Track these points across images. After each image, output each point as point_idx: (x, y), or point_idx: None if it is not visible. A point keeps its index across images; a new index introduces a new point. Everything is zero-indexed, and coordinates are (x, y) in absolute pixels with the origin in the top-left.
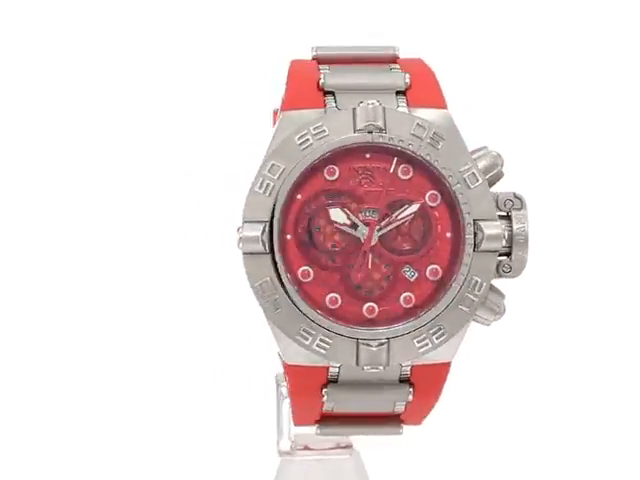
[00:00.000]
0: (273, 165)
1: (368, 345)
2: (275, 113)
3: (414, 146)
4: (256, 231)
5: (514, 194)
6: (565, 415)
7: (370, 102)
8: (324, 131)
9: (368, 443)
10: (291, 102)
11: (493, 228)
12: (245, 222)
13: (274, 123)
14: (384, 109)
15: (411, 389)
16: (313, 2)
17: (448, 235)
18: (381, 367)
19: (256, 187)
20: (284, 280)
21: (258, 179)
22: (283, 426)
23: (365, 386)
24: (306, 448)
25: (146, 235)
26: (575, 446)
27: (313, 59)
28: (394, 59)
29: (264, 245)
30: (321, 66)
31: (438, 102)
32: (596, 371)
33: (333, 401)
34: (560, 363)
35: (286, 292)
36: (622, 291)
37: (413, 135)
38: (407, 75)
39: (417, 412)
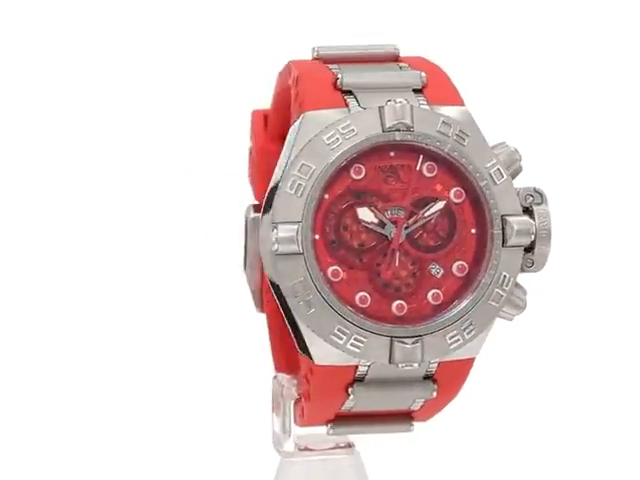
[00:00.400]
0: (303, 165)
1: (403, 342)
2: (260, 114)
3: (441, 144)
4: (291, 232)
5: (534, 189)
6: (577, 414)
7: (398, 100)
8: (352, 130)
9: (368, 443)
10: (312, 102)
11: (522, 223)
12: (279, 223)
13: (258, 125)
14: (412, 107)
15: (435, 386)
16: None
17: (473, 231)
18: (415, 364)
19: (287, 188)
20: (317, 280)
21: (288, 180)
22: (289, 427)
23: (390, 384)
24: (306, 449)
25: (140, 234)
26: (584, 446)
27: (315, 59)
28: (396, 57)
29: (299, 245)
30: (330, 66)
31: (455, 99)
32: (610, 368)
33: (358, 400)
34: (574, 360)
35: (319, 292)
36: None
37: (439, 132)
38: (423, 73)
39: (432, 409)
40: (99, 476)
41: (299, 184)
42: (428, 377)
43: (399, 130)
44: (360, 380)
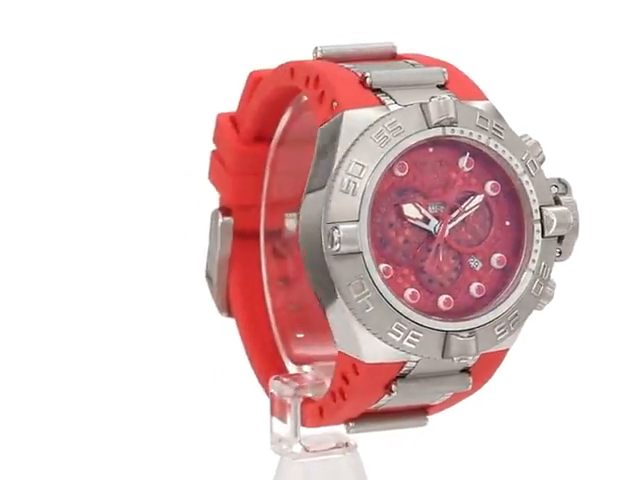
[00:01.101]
0: (354, 164)
1: (459, 336)
2: (227, 116)
3: (482, 138)
4: (352, 231)
5: (559, 179)
6: (577, 414)
7: (441, 96)
8: (400, 127)
9: (367, 443)
10: (348, 101)
11: (561, 214)
12: (339, 223)
13: (226, 128)
14: (455, 103)
15: (470, 378)
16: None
17: (507, 223)
18: (470, 357)
19: (342, 187)
20: (376, 278)
21: (341, 179)
22: (297, 429)
23: (429, 379)
24: (306, 450)
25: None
26: (585, 446)
27: (319, 59)
28: (394, 55)
29: (359, 244)
30: (348, 64)
31: (479, 94)
32: (615, 363)
33: (399, 396)
34: (577, 356)
35: (378, 290)
36: None
37: (478, 127)
38: (444, 70)
39: (453, 401)
40: (98, 476)
41: (353, 183)
42: (465, 370)
43: (443, 126)
44: (402, 377)
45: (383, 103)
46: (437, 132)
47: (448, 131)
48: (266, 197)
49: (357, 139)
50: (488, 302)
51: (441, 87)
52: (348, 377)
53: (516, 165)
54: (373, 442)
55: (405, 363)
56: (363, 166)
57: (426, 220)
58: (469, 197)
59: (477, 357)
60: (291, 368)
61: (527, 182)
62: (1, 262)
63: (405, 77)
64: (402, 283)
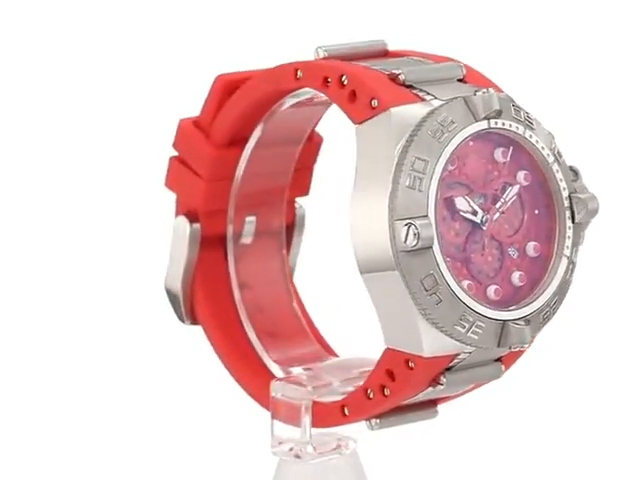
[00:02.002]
0: (417, 160)
1: (517, 325)
2: (190, 122)
3: (520, 129)
4: (427, 227)
5: (570, 167)
6: (576, 413)
7: (485, 90)
8: (452, 122)
9: (367, 443)
10: (391, 99)
11: (591, 200)
12: (414, 218)
13: (193, 132)
14: (498, 96)
15: (503, 367)
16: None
17: (537, 212)
18: (526, 345)
19: (408, 184)
20: (445, 271)
21: (406, 175)
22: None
23: (471, 369)
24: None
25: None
26: (585, 446)
27: (324, 58)
28: (386, 52)
29: (433, 239)
30: (360, 63)
31: (496, 87)
32: (615, 363)
33: (446, 388)
34: (575, 356)
35: (447, 283)
36: None
37: (515, 118)
38: (461, 64)
39: (467, 390)
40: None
41: (418, 179)
42: (498, 359)
43: (488, 118)
44: (448, 369)
45: (423, 99)
46: (483, 125)
47: (492, 123)
48: (235, 201)
49: (414, 135)
50: (530, 290)
51: (460, 81)
52: (396, 373)
53: (547, 154)
54: (373, 442)
55: (457, 355)
56: (426, 162)
57: (474, 212)
58: (506, 188)
59: None
60: (276, 370)
61: (557, 171)
62: None
63: (431, 73)
64: (459, 276)
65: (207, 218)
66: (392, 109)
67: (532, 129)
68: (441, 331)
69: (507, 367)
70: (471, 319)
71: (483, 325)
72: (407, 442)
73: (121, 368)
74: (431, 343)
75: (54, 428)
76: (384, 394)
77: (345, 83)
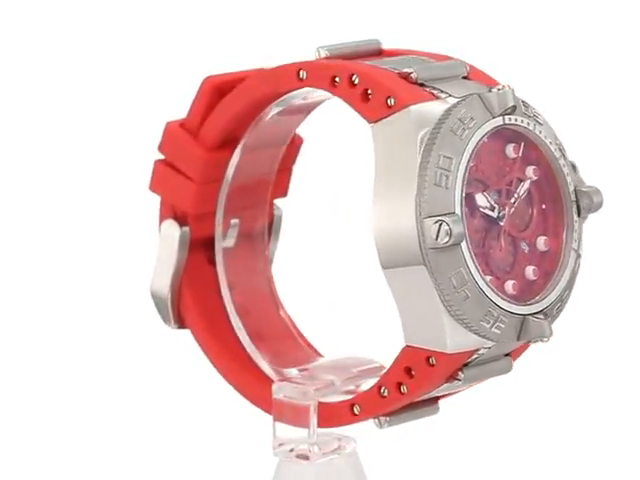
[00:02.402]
0: (442, 157)
1: (536, 318)
2: (177, 124)
3: (530, 125)
4: (458, 224)
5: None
6: (575, 413)
7: (500, 86)
8: (472, 119)
9: (367, 444)
10: (409, 97)
11: (596, 194)
12: (441, 216)
13: (181, 135)
14: (513, 91)
15: (512, 361)
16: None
17: (544, 206)
18: (545, 339)
19: (435, 181)
20: (472, 268)
21: (433, 173)
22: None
23: (486, 364)
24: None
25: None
26: (585, 446)
27: (326, 58)
28: (381, 51)
29: (462, 237)
30: (372, 61)
31: (497, 83)
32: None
33: (462, 383)
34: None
35: (475, 280)
36: None
37: (525, 114)
38: (465, 62)
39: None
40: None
41: (445, 176)
42: (508, 354)
43: (503, 115)
44: (466, 364)
45: (437, 97)
46: (499, 121)
47: (506, 120)
48: (224, 203)
49: (437, 132)
50: (544, 283)
51: (465, 78)
52: (415, 370)
53: (555, 149)
54: (373, 443)
55: (477, 350)
56: (451, 159)
57: (492, 208)
58: (518, 183)
59: None
60: (269, 371)
61: (564, 165)
62: None
63: (440, 71)
64: (482, 272)
65: (196, 221)
66: (411, 107)
67: (540, 124)
68: (466, 327)
69: (514, 361)
70: (495, 314)
71: (506, 320)
72: (407, 442)
73: (113, 372)
74: (455, 339)
75: (54, 429)
76: (400, 391)
77: (356, 82)
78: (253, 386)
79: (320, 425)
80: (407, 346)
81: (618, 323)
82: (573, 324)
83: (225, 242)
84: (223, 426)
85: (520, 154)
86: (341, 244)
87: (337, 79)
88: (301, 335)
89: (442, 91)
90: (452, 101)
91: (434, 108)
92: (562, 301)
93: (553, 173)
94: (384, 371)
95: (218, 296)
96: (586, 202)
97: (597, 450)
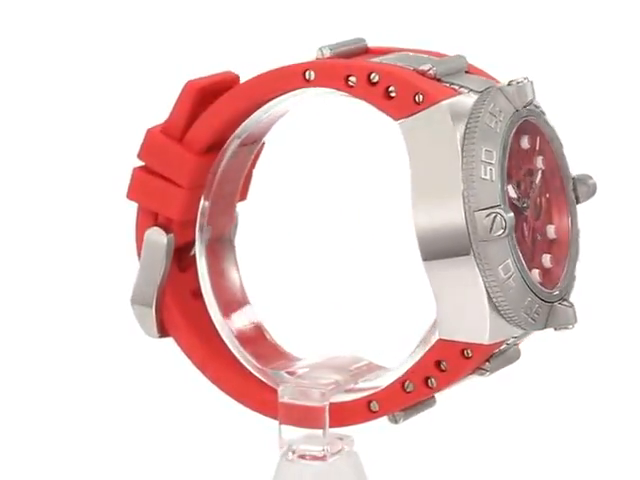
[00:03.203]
0: (485, 151)
1: (566, 306)
2: (157, 130)
3: (541, 117)
4: (511, 216)
5: None
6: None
7: (520, 80)
8: (500, 112)
9: (367, 444)
10: (437, 93)
11: (591, 180)
12: (493, 208)
13: (165, 141)
14: (532, 84)
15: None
16: None
17: (548, 195)
18: (571, 326)
19: (482, 175)
20: (518, 258)
21: (480, 166)
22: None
23: (504, 353)
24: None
25: None
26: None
27: (330, 57)
28: (367, 49)
29: (513, 228)
30: (377, 58)
31: (494, 78)
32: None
33: (488, 373)
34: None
35: (519, 269)
36: None
37: (535, 106)
38: (465, 57)
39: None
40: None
41: (489, 169)
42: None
43: (524, 107)
44: (492, 354)
45: (460, 91)
46: (523, 114)
47: (525, 112)
48: (204, 208)
49: (474, 126)
50: (559, 270)
51: (467, 72)
52: (449, 363)
53: (557, 139)
54: (373, 443)
55: (506, 340)
56: (492, 152)
57: (518, 199)
58: (531, 174)
59: None
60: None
61: (563, 154)
62: None
63: (450, 66)
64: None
65: (180, 228)
66: (443, 102)
67: (544, 114)
68: (505, 317)
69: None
70: (534, 304)
71: (540, 309)
72: (407, 442)
73: (104, 380)
74: (494, 330)
75: (55, 429)
76: (428, 385)
77: (376, 80)
78: (244, 388)
79: (332, 425)
80: (440, 340)
81: (613, 316)
82: None
83: (199, 247)
84: (220, 428)
85: (535, 146)
86: (308, 246)
87: (352, 78)
88: (271, 337)
89: (461, 86)
90: (474, 95)
91: (463, 102)
92: (573, 280)
93: (557, 162)
94: (381, 368)
95: (197, 300)
96: (584, 189)
97: (593, 447)
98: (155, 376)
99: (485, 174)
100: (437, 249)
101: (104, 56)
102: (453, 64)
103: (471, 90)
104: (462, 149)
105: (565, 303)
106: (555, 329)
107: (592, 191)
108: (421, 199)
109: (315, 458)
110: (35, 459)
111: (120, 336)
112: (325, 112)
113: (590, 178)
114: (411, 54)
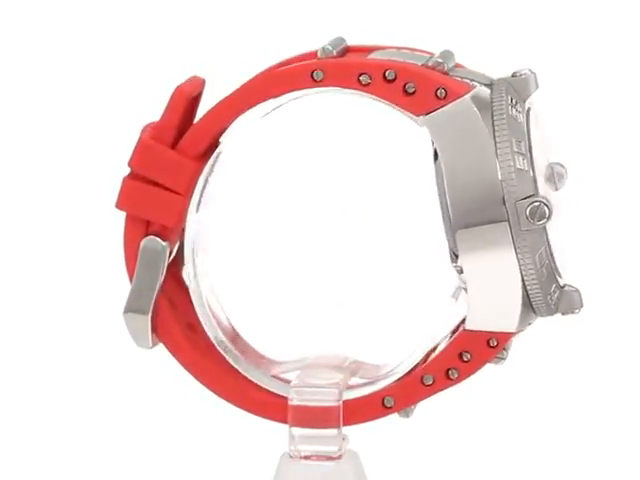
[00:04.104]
0: (516, 142)
1: (571, 289)
2: (148, 137)
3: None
4: (550, 204)
5: None
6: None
7: (523, 72)
8: (517, 103)
9: (367, 444)
10: (456, 87)
11: (562, 168)
12: (534, 197)
13: (160, 148)
14: (535, 75)
15: None
16: None
17: None
18: (577, 310)
19: (518, 165)
20: (549, 246)
21: (515, 157)
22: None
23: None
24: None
25: None
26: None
27: (331, 57)
28: (348, 48)
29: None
30: (372, 55)
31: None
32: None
33: (502, 361)
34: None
35: (551, 256)
36: None
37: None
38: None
39: None
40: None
41: (523, 159)
42: None
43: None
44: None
45: (473, 85)
46: (528, 104)
47: (528, 104)
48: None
49: (501, 118)
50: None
51: (456, 67)
52: (473, 353)
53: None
54: (372, 444)
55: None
56: (521, 142)
57: None
58: None
59: None
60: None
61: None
62: None
63: (449, 61)
64: None
65: (174, 235)
66: (466, 96)
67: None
68: (532, 305)
69: None
70: (556, 290)
71: (556, 294)
72: (407, 442)
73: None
74: (521, 319)
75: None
76: (449, 377)
77: (392, 77)
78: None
79: (345, 423)
80: (466, 331)
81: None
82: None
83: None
84: (223, 427)
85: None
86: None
87: (364, 77)
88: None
89: (470, 79)
90: (485, 89)
91: (483, 94)
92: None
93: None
94: (369, 364)
95: (191, 306)
96: (560, 177)
97: (592, 445)
98: (155, 377)
99: (520, 164)
100: (478, 242)
101: (89, 59)
102: (449, 59)
103: (480, 84)
104: (495, 141)
105: (571, 287)
106: (562, 314)
107: (566, 177)
108: (457, 194)
109: (329, 458)
110: (35, 459)
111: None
112: (327, 112)
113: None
114: (394, 50)
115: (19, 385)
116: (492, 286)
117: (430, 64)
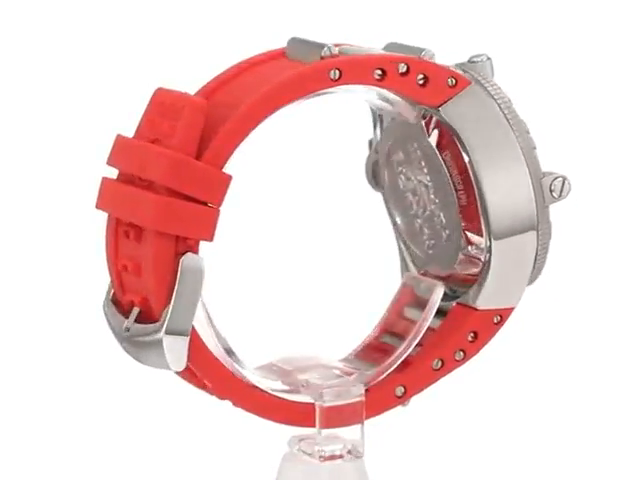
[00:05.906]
0: (523, 123)
1: None
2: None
3: None
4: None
5: None
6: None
7: (482, 57)
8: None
9: (367, 445)
10: (462, 75)
11: None
12: (552, 174)
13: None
14: (491, 60)
15: None
16: None
17: None
18: None
19: (532, 145)
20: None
21: (529, 138)
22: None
23: None
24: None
25: None
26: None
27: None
28: None
29: None
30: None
31: None
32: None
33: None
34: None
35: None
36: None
37: None
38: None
39: None
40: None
41: (532, 139)
42: None
43: None
44: None
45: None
46: None
47: None
48: None
49: (505, 100)
50: None
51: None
52: (479, 332)
53: None
54: (373, 444)
55: None
56: (525, 123)
57: None
58: None
59: None
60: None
61: None
62: None
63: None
64: None
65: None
66: (472, 82)
67: None
68: (529, 282)
69: None
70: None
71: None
72: (407, 442)
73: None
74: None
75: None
76: (456, 359)
77: (404, 71)
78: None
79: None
80: (475, 311)
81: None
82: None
83: None
84: (223, 427)
85: None
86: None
87: (379, 72)
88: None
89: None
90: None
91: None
92: None
93: None
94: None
95: None
96: None
97: (586, 443)
98: (155, 377)
99: (534, 144)
100: (509, 226)
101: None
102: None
103: (475, 77)
104: (510, 124)
105: None
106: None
107: None
108: (488, 178)
109: (356, 456)
110: (35, 459)
111: None
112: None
113: None
114: (369, 47)
115: (18, 385)
116: (512, 266)
117: (423, 56)
